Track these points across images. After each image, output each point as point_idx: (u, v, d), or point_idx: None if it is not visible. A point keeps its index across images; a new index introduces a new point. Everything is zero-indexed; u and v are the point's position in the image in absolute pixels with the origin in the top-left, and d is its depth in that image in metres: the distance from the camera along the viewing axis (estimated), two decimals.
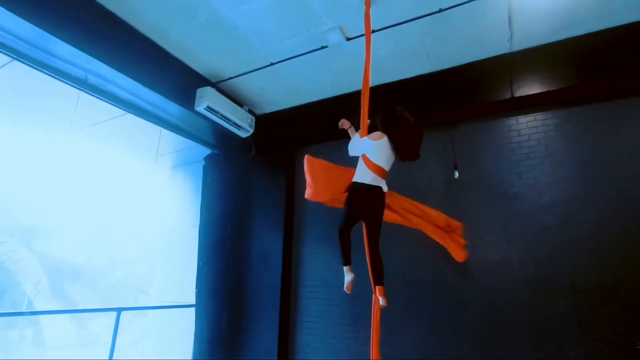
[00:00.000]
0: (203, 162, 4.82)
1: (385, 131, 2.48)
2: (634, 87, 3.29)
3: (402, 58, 3.79)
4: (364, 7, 2.98)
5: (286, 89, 4.47)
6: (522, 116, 3.75)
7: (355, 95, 4.35)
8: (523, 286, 3.32)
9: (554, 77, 3.44)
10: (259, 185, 4.83)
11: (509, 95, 3.61)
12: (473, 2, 3.02)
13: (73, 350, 10.32)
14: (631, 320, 2.91)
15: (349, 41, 3.54)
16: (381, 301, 2.35)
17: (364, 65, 2.82)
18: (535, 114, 3.70)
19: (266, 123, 5.01)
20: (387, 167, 2.52)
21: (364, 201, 2.48)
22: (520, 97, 3.56)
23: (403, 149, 2.46)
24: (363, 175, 2.50)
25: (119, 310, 3.35)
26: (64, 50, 3.05)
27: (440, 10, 3.12)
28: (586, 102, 3.47)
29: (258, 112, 5.04)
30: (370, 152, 2.48)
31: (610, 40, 3.25)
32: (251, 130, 4.63)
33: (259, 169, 4.89)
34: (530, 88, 3.54)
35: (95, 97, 3.58)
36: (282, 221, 4.46)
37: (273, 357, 3.95)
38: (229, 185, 4.75)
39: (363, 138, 2.54)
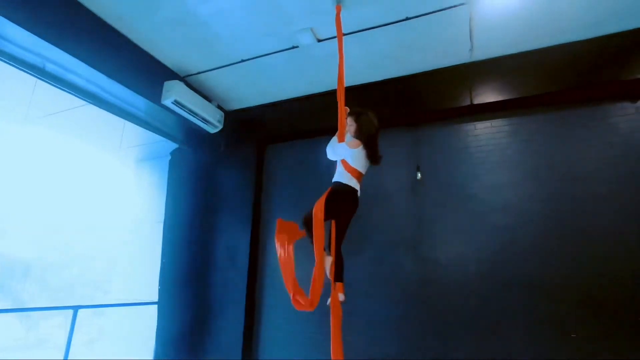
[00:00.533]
0: (169, 157, 4.71)
1: (361, 139, 2.59)
2: (579, 98, 3.61)
3: (371, 61, 3.91)
4: (335, 11, 3.06)
5: (257, 86, 4.47)
6: (480, 122, 3.98)
7: (325, 95, 4.50)
8: (478, 282, 3.55)
9: (510, 87, 3.69)
10: (227, 181, 4.79)
11: (468, 102, 3.83)
12: (437, 13, 3.18)
13: (22, 352, 9.68)
14: (569, 312, 3.21)
15: (320, 42, 3.61)
16: (341, 297, 2.45)
17: (338, 68, 2.88)
18: (492, 121, 3.95)
19: (236, 119, 4.98)
20: (364, 171, 2.66)
21: (344, 200, 2.57)
22: (478, 105, 3.79)
23: (373, 155, 2.61)
24: (343, 177, 2.59)
25: (76, 308, 3.23)
26: (19, 35, 2.90)
27: (407, 19, 3.27)
28: (537, 112, 3.75)
29: (228, 108, 5.00)
30: (350, 158, 2.57)
31: (560, 56, 3.53)
32: (220, 126, 4.60)
33: (227, 165, 4.86)
34: (487, 96, 3.78)
35: (54, 86, 3.41)
36: (249, 218, 4.46)
37: (237, 355, 3.96)
38: (196, 181, 4.68)
39: (342, 144, 2.62)
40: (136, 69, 3.74)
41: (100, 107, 3.84)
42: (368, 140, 2.59)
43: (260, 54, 3.85)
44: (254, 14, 3.27)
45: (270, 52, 3.80)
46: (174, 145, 4.86)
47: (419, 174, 3.87)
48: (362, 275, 3.94)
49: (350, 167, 2.57)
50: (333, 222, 2.65)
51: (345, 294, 2.48)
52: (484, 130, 3.93)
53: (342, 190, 2.55)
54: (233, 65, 4.05)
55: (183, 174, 4.61)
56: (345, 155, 2.58)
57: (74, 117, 4.18)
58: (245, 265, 4.28)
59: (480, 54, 3.76)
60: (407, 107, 4.06)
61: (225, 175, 4.83)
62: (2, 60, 3.03)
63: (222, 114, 4.63)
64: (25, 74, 3.18)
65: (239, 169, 4.79)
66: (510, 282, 3.44)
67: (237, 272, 4.30)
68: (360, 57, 3.84)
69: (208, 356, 4.05)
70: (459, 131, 4.03)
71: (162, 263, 4.14)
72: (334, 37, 3.52)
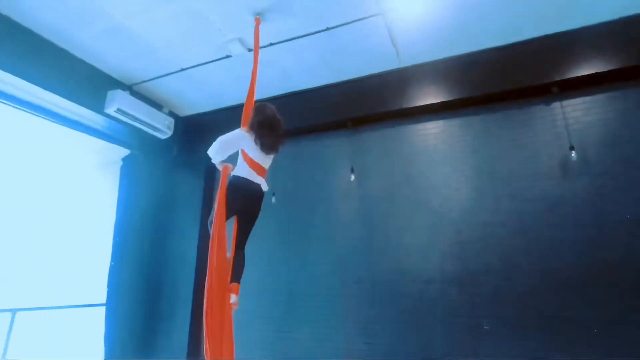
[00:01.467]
0: (121, 163, 4.85)
1: (252, 127, 2.48)
2: (501, 99, 3.77)
3: (305, 69, 4.07)
4: (254, 22, 3.22)
5: (204, 93, 4.62)
6: (411, 125, 4.14)
7: (269, 101, 4.65)
8: (400, 277, 3.73)
9: (439, 90, 3.86)
10: (179, 185, 4.95)
11: (400, 106, 4.00)
12: (354, 23, 3.35)
13: None
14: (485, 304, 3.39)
15: (251, 52, 3.76)
16: (233, 298, 2.34)
17: (252, 79, 3.07)
18: (427, 123, 4.11)
19: (188, 125, 5.14)
20: (264, 165, 2.56)
21: (242, 195, 2.47)
22: (411, 108, 3.96)
23: (264, 144, 2.47)
24: (242, 169, 2.50)
25: (14, 310, 3.36)
26: None
27: (328, 29, 3.43)
28: (464, 114, 3.91)
29: (181, 114, 5.15)
30: (246, 147, 2.47)
31: (484, 59, 3.71)
32: (170, 132, 4.74)
33: (179, 170, 5.01)
34: (419, 100, 3.94)
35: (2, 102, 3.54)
36: (198, 220, 4.62)
37: (183, 355, 4.12)
38: (148, 185, 4.83)
39: (237, 130, 2.54)
40: (78, 80, 3.87)
41: (49, 119, 3.97)
42: (259, 126, 2.45)
43: (198, 63, 4.00)
44: (182, 25, 3.42)
45: (206, 61, 3.95)
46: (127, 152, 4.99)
47: (353, 176, 4.03)
48: (332, 275, 4.06)
49: (247, 156, 2.48)
50: (236, 218, 2.54)
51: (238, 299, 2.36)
52: (416, 132, 4.10)
53: (239, 183, 2.46)
54: (175, 74, 4.20)
55: (135, 179, 4.75)
56: (242, 143, 2.48)
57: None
58: (193, 267, 4.44)
59: (408, 60, 3.93)
60: (344, 112, 4.22)
61: (178, 179, 4.98)
62: None
63: (172, 120, 4.77)
64: None
65: (190, 172, 4.94)
66: (430, 277, 3.61)
67: (186, 274, 4.46)
68: (294, 65, 4.00)
69: (157, 355, 4.22)
70: (396, 133, 4.19)
71: (111, 265, 4.28)
72: (266, 47, 3.67)
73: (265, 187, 2.60)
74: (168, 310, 4.42)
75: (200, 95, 4.68)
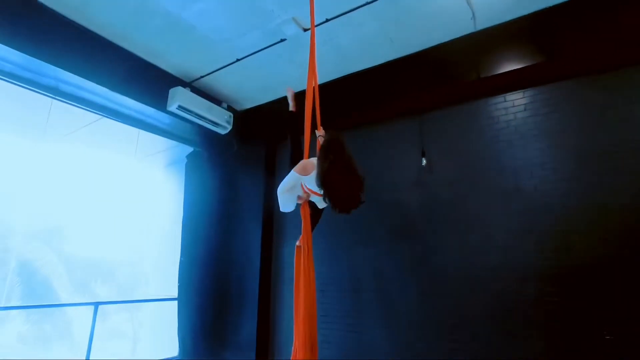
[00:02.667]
0: (185, 160, 4.95)
1: (318, 181, 1.91)
2: (604, 62, 3.07)
3: (365, 46, 3.72)
4: None
5: (260, 84, 4.49)
6: (491, 98, 3.58)
7: (327, 86, 4.38)
8: (487, 274, 3.22)
9: (521, 55, 3.26)
10: (241, 180, 4.91)
11: (477, 76, 3.47)
12: None
13: (100, 342, 10.98)
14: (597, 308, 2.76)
15: (307, 31, 3.51)
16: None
17: (309, 66, 2.79)
18: (511, 94, 3.53)
19: (247, 119, 5.07)
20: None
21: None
22: (487, 78, 3.41)
23: (337, 201, 1.90)
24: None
25: (97, 304, 3.55)
26: (33, 63, 3.22)
27: None
28: (554, 80, 3.27)
29: (239, 108, 5.11)
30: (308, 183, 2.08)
31: (572, 12, 3.04)
32: (229, 127, 4.70)
33: (240, 164, 4.97)
34: (497, 67, 3.38)
35: (69, 104, 3.75)
36: (260, 215, 4.53)
37: (252, 352, 4.05)
38: (211, 181, 4.86)
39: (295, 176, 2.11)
40: (142, 80, 3.96)
41: (115, 119, 4.14)
42: (327, 179, 1.88)
43: (252, 51, 3.85)
44: (232, 12, 3.28)
45: (261, 48, 3.79)
46: (191, 149, 5.09)
47: (424, 160, 3.60)
48: (369, 269, 3.78)
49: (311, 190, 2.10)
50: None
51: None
52: (496, 106, 3.53)
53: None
54: (231, 66, 4.11)
55: (199, 175, 4.82)
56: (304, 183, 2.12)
57: (94, 131, 4.55)
58: (258, 262, 4.36)
59: (485, 21, 3.37)
60: (410, 90, 3.78)
61: (239, 174, 4.95)
62: (20, 85, 3.39)
63: (231, 114, 4.73)
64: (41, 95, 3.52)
65: (251, 167, 4.87)
66: (523, 274, 3.06)
67: (252, 269, 4.39)
68: (351, 42, 3.67)
69: (228, 352, 4.21)
70: (469, 110, 3.67)
71: (181, 260, 4.37)
72: (321, 24, 3.40)
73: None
74: (236, 306, 4.39)
75: (257, 87, 4.57)
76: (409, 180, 3.77)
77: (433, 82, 3.66)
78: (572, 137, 3.12)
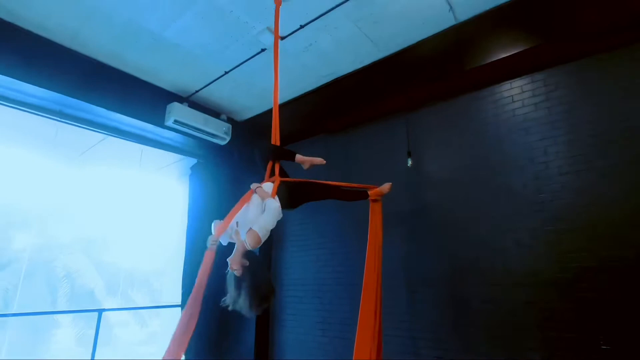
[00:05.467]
0: (189, 172, 5.14)
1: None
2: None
3: (346, 48, 3.68)
4: (275, 5, 2.97)
5: (253, 94, 4.58)
6: (485, 90, 3.39)
7: (319, 91, 4.38)
8: (479, 277, 3.02)
9: (511, 41, 3.06)
10: (241, 189, 4.97)
11: (462, 69, 3.30)
12: None
13: (138, 346, 11.62)
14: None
15: (284, 40, 3.53)
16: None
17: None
18: (498, 85, 3.33)
19: (246, 129, 5.18)
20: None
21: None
22: (474, 70, 3.24)
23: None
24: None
25: (100, 311, 3.77)
26: (38, 91, 3.52)
27: None
28: (553, 64, 3.03)
29: (238, 118, 5.24)
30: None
31: None
32: (227, 138, 4.83)
33: (241, 174, 5.08)
34: (484, 58, 3.19)
35: (75, 125, 4.04)
36: None
37: (251, 355, 4.10)
38: (213, 191, 5.01)
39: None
40: (139, 98, 4.18)
41: (119, 137, 4.40)
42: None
43: (238, 63, 3.94)
44: (210, 27, 3.38)
45: (245, 59, 3.86)
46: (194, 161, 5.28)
47: (410, 160, 3.47)
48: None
49: None
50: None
51: None
52: (485, 100, 3.33)
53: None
54: (221, 79, 4.23)
55: (201, 186, 4.99)
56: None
57: (104, 149, 4.86)
58: None
59: (464, 13, 3.21)
60: (395, 90, 3.68)
61: (239, 184, 5.04)
62: (27, 110, 3.70)
63: (229, 125, 4.86)
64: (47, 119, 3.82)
65: (250, 177, 4.94)
66: (520, 278, 2.84)
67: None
68: (333, 46, 3.64)
69: (229, 355, 4.28)
70: (456, 106, 3.49)
71: (184, 268, 4.52)
72: (296, 31, 3.42)
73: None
74: (236, 314, 4.46)
75: (251, 97, 4.66)
76: (397, 182, 3.64)
77: (417, 79, 3.54)
78: (571, 124, 2.87)
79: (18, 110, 3.70)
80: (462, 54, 3.29)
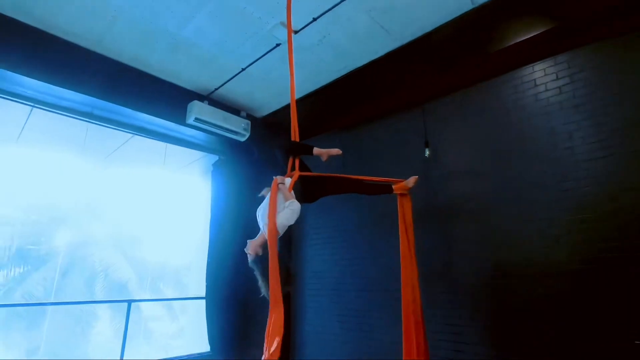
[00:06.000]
0: (212, 169, 5.29)
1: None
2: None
3: (360, 40, 3.65)
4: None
5: (270, 90, 4.64)
6: (505, 75, 3.29)
7: (328, 87, 4.37)
8: (502, 269, 2.94)
9: (526, 25, 2.95)
10: (261, 184, 5.07)
11: (482, 54, 3.22)
12: None
13: (170, 338, 12.10)
14: None
15: (297, 34, 3.56)
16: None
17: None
18: (519, 70, 3.21)
19: (265, 125, 5.27)
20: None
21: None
22: (494, 54, 3.14)
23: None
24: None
25: (130, 302, 3.96)
26: (72, 95, 3.73)
27: None
28: (570, 47, 2.90)
29: (257, 115, 5.32)
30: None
31: None
32: (247, 134, 4.93)
33: (261, 169, 5.17)
34: (503, 42, 3.10)
35: (103, 126, 4.25)
36: None
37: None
38: (234, 187, 5.13)
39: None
40: (162, 98, 4.35)
41: (144, 135, 4.59)
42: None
43: (254, 59, 4.01)
44: (225, 25, 3.46)
45: (260, 55, 3.92)
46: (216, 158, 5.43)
47: (427, 151, 3.41)
48: (378, 267, 3.69)
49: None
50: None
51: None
52: (505, 86, 3.22)
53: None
54: (238, 76, 4.32)
55: (222, 182, 5.12)
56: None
57: (129, 150, 5.08)
58: None
59: None
60: (413, 79, 3.63)
61: (259, 179, 5.14)
62: (60, 113, 3.93)
63: (248, 122, 4.95)
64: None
65: (270, 172, 5.03)
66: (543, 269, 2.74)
67: None
68: (346, 38, 3.63)
69: (253, 347, 4.39)
70: (475, 95, 3.40)
71: (208, 262, 4.67)
72: (309, 24, 3.44)
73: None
74: (261, 307, 4.56)
75: (268, 94, 4.72)
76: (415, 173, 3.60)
77: (434, 67, 3.47)
78: (596, 106, 2.74)
79: (53, 115, 3.95)
80: (482, 38, 3.20)
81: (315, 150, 2.87)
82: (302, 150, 2.85)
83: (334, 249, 4.22)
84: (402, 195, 2.97)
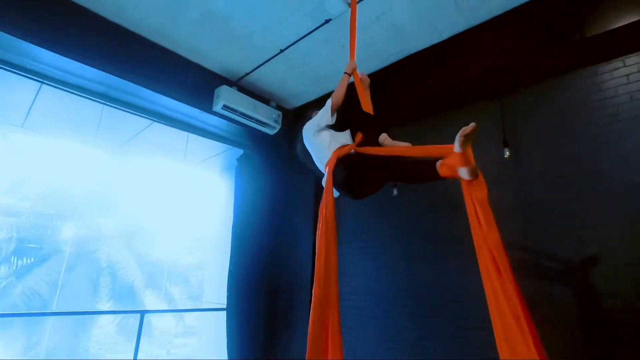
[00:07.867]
0: (236, 164, 4.76)
1: None
2: None
3: (426, 18, 3.11)
4: None
5: (307, 77, 4.12)
6: (596, 67, 2.71)
7: (383, 72, 3.84)
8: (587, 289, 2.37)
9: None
10: (292, 183, 4.58)
11: (578, 37, 2.65)
12: None
13: (175, 337, 11.65)
14: None
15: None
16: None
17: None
18: (615, 61, 2.63)
19: (297, 117, 4.74)
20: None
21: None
22: (596, 37, 2.58)
23: None
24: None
25: (143, 312, 3.47)
26: (85, 70, 3.23)
27: None
28: None
29: (288, 106, 4.80)
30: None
31: None
32: (277, 127, 4.40)
33: (292, 166, 4.65)
34: (610, 22, 2.53)
35: (119, 109, 3.75)
36: (312, 219, 4.13)
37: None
38: (261, 185, 4.60)
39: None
40: (187, 81, 3.83)
41: (163, 122, 4.07)
42: None
43: (296, 39, 3.48)
44: None
45: (305, 33, 3.39)
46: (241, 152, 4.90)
47: (507, 151, 2.85)
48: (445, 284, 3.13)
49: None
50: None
51: None
52: (597, 79, 2.65)
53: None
54: (275, 59, 3.80)
55: (248, 179, 4.59)
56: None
57: (146, 139, 4.58)
58: (309, 267, 3.96)
59: None
60: (482, 67, 3.06)
61: (289, 178, 4.63)
62: (73, 92, 3.44)
63: (280, 113, 4.43)
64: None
65: (302, 169, 4.50)
66: None
67: (302, 276, 4.02)
68: (411, 16, 3.09)
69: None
70: (562, 87, 2.83)
71: (230, 269, 4.14)
72: None
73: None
74: (287, 317, 4.04)
75: (305, 81, 4.20)
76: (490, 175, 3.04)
77: (516, 52, 2.91)
78: None
79: (63, 95, 3.46)
80: (581, 19, 2.62)
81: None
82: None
83: (381, 262, 3.66)
84: (469, 182, 1.79)
